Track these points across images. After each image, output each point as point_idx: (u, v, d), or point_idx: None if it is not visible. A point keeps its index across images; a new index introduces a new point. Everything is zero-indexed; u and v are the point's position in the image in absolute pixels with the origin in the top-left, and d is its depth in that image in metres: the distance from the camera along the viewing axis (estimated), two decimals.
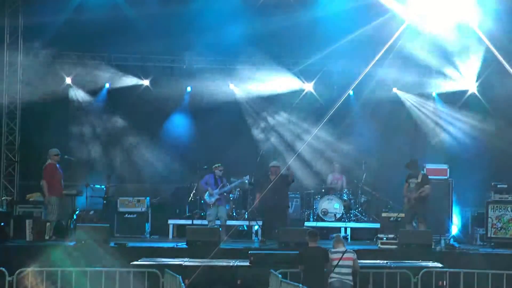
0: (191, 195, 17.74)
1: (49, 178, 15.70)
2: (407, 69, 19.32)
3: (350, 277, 11.04)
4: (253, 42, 18.62)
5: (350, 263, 11.08)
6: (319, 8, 17.61)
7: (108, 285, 11.87)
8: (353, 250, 11.45)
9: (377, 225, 16.99)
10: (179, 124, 19.88)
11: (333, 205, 17.63)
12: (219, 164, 16.89)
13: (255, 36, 18.31)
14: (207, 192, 16.52)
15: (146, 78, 19.75)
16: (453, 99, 19.66)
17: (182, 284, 9.98)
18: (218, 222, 16.56)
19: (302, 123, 19.75)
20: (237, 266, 12.70)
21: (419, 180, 15.49)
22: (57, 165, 15.93)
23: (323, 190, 18.20)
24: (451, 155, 18.51)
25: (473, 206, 17.29)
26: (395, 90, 19.78)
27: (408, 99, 19.74)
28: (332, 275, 11.01)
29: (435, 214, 16.22)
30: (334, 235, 11.70)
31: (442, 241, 14.93)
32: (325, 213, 17.57)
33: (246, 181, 17.02)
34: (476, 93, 19.23)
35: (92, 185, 16.79)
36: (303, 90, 19.90)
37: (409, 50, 18.51)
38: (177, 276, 10.44)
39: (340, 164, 18.63)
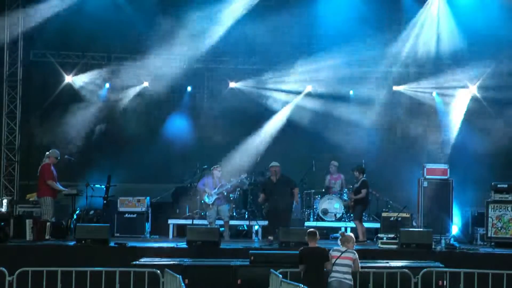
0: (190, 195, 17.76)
1: (50, 178, 15.70)
2: (407, 68, 19.36)
3: (349, 276, 10.99)
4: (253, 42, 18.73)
5: (349, 262, 11.03)
6: None
7: (108, 285, 11.87)
8: (354, 250, 11.41)
9: (377, 225, 16.98)
10: (179, 124, 19.88)
11: (333, 205, 17.63)
12: (218, 165, 16.92)
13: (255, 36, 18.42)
14: (206, 194, 16.54)
15: (145, 78, 19.76)
16: (453, 98, 19.67)
17: (182, 284, 9.96)
18: (219, 222, 16.58)
19: (301, 123, 19.77)
20: (237, 266, 12.69)
21: (357, 185, 16.16)
22: (52, 166, 15.93)
23: (323, 190, 18.20)
24: (451, 155, 18.50)
25: (473, 206, 17.28)
26: (395, 88, 19.79)
27: (408, 98, 19.74)
28: (332, 274, 10.98)
29: (435, 214, 16.23)
30: (340, 232, 11.64)
31: (443, 241, 14.92)
32: (325, 213, 17.57)
33: (245, 179, 17.02)
34: (476, 93, 19.25)
35: (92, 185, 16.76)
36: (304, 90, 19.99)
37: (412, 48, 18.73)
38: (177, 276, 10.44)
39: (336, 164, 18.51)
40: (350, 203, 16.49)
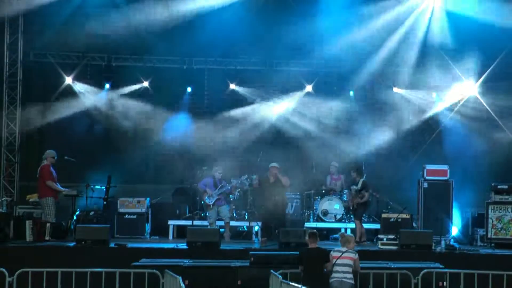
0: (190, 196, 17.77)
1: (49, 178, 15.73)
2: (408, 68, 19.36)
3: (350, 275, 11.00)
4: (253, 43, 18.75)
5: (349, 262, 11.04)
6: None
7: (108, 286, 11.88)
8: (355, 250, 11.41)
9: (378, 226, 16.98)
10: (179, 124, 19.89)
11: (333, 206, 17.62)
12: (218, 167, 16.93)
13: (255, 37, 18.45)
14: (206, 195, 16.55)
15: (146, 79, 19.79)
16: (453, 100, 19.67)
17: (182, 285, 9.97)
18: (220, 223, 16.58)
19: (301, 124, 19.79)
20: (237, 266, 12.69)
21: (359, 187, 16.10)
22: (51, 167, 15.94)
23: (323, 191, 18.18)
24: (451, 156, 18.50)
25: (473, 207, 17.28)
26: (395, 89, 19.79)
27: (409, 99, 19.74)
28: (333, 275, 11.00)
29: (435, 215, 16.23)
30: (340, 233, 11.64)
31: (443, 242, 14.92)
32: (325, 213, 17.56)
33: (245, 180, 17.04)
34: (477, 94, 19.24)
35: (92, 186, 16.77)
36: (303, 91, 20.01)
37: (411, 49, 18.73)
38: (177, 277, 10.45)
39: (336, 165, 18.48)
40: (353, 205, 16.39)
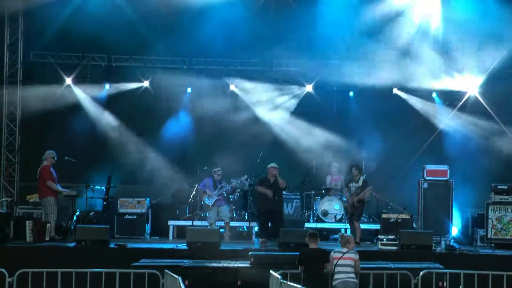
0: (191, 196, 17.74)
1: (49, 179, 15.73)
2: (408, 69, 19.34)
3: (352, 275, 11.01)
4: (253, 43, 18.75)
5: (350, 262, 11.05)
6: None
7: (108, 286, 11.88)
8: (355, 251, 11.41)
9: (378, 226, 16.97)
10: (179, 125, 19.88)
11: (333, 206, 17.61)
12: (218, 168, 16.95)
13: (255, 37, 18.45)
14: (206, 195, 16.56)
15: (145, 79, 19.79)
16: (453, 100, 19.66)
17: (182, 285, 9.98)
18: (220, 223, 16.58)
19: (301, 124, 19.79)
20: (237, 267, 12.70)
21: (360, 184, 15.97)
22: (51, 167, 15.95)
23: (323, 191, 18.17)
24: (451, 155, 18.50)
25: (473, 207, 17.29)
26: (395, 90, 19.77)
27: (408, 99, 19.73)
28: (335, 276, 10.99)
29: (435, 215, 16.23)
30: (339, 234, 11.65)
31: (443, 242, 14.93)
32: (325, 214, 17.55)
33: (245, 181, 17.06)
34: (477, 94, 19.23)
35: (92, 186, 16.78)
36: (303, 91, 20.00)
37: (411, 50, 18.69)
38: (177, 277, 10.45)
39: (336, 165, 18.47)
40: (354, 203, 16.29)
